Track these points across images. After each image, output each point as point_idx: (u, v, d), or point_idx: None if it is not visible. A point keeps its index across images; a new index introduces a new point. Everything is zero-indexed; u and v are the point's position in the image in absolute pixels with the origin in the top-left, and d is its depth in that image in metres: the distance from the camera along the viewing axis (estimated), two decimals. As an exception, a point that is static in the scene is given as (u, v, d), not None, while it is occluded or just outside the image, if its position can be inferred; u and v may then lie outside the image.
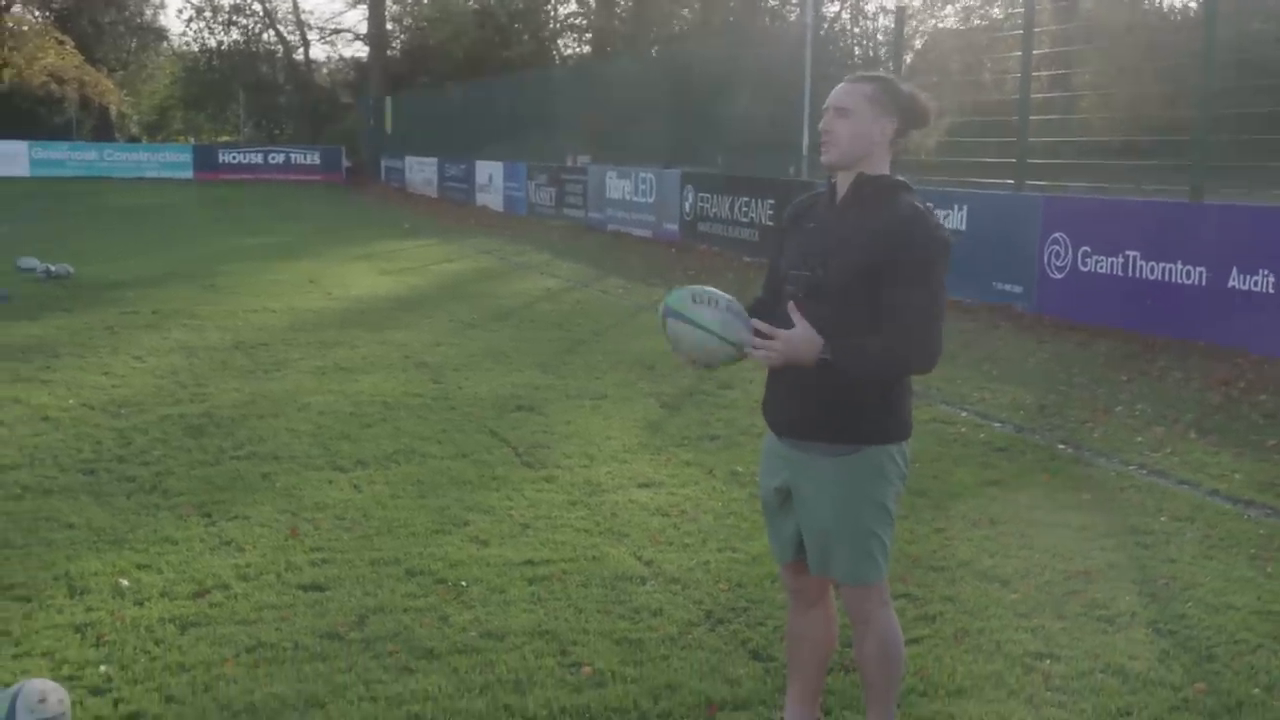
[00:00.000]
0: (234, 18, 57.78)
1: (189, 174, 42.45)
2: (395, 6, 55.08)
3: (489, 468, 6.78)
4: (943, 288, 3.26)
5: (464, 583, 5.03)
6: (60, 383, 8.69)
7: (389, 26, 54.55)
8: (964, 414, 8.39)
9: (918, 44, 31.84)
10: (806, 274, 3.33)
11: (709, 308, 3.28)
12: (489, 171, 30.83)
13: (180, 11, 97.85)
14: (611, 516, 5.97)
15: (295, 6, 64.77)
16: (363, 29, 56.18)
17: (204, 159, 43.46)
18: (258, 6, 58.37)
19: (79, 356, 9.70)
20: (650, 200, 21.73)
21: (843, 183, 3.39)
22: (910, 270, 3.20)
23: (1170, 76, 13.27)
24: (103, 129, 54.92)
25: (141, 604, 4.71)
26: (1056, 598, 5.01)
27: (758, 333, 3.25)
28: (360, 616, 4.66)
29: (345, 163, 44.50)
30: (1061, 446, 7.54)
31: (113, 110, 54.91)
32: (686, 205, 20.32)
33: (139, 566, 5.10)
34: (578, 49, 55.50)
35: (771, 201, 17.59)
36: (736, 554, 5.48)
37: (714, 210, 19.41)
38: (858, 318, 3.24)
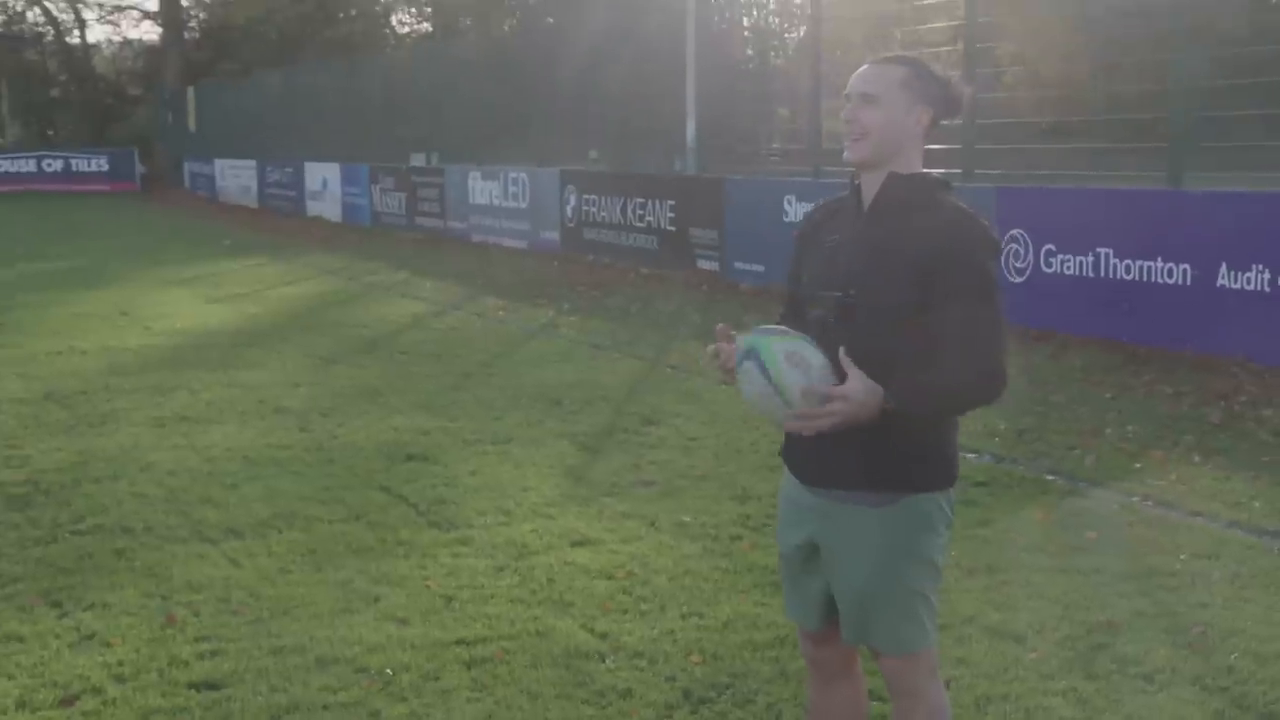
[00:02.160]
0: (-10, -7, 56.37)
1: (-58, 187, 41.31)
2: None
3: (390, 530, 6.73)
4: (1003, 299, 3.32)
5: (389, 670, 4.99)
6: None
7: (184, 2, 53.79)
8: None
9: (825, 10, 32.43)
10: (837, 295, 3.37)
11: (799, 372, 3.25)
12: (322, 175, 30.57)
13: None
14: (548, 583, 5.98)
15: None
16: (151, 6, 55.35)
17: (-41, 168, 42.32)
18: (17, -22, 57.04)
19: None
20: (523, 205, 21.77)
21: (870, 184, 3.42)
22: (968, 285, 3.25)
23: (1141, 45, 13.71)
24: None
25: (-2, 717, 4.60)
26: (1082, 654, 5.15)
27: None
28: (272, 718, 4.60)
29: (140, 168, 43.73)
30: (1051, 477, 7.76)
31: None
32: (568, 209, 20.40)
33: (-16, 671, 4.97)
34: (416, 26, 55.42)
35: (672, 203, 17.77)
36: (704, 620, 5.53)
37: (602, 214, 19.52)
38: (899, 343, 3.28)
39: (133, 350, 12.41)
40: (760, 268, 15.83)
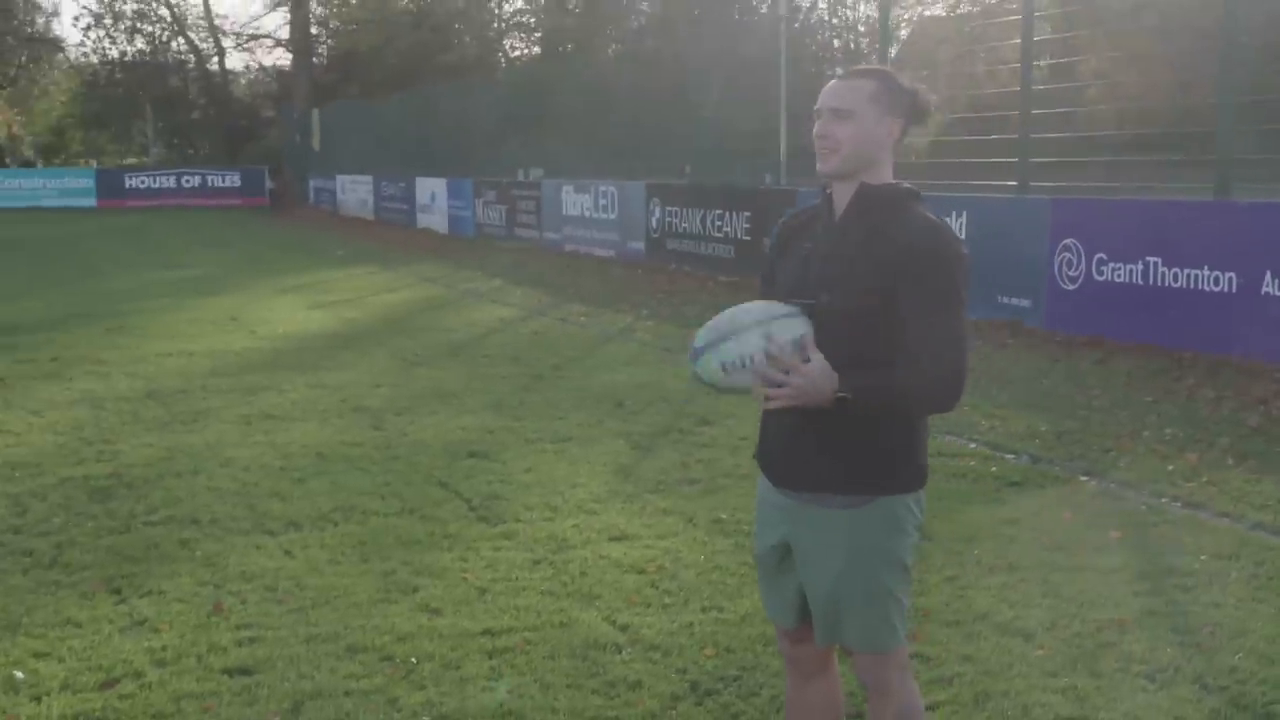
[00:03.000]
0: (138, 24, 57.55)
1: (92, 201, 42.27)
2: (320, 9, 55.10)
3: (440, 524, 6.66)
4: (965, 310, 3.19)
5: (414, 659, 4.91)
6: (-54, 444, 8.53)
7: (314, 31, 54.52)
8: (972, 445, 8.34)
9: (904, 34, 32.01)
10: (808, 302, 3.24)
11: (744, 373, 3.15)
12: (431, 189, 30.77)
13: (76, 19, 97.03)
14: (580, 576, 5.87)
15: (207, 10, 64.11)
16: (284, 34, 56.16)
17: (109, 185, 43.29)
18: (164, 11, 58.22)
19: (-33, 413, 9.54)
20: (612, 217, 21.70)
21: (841, 194, 3.31)
22: (933, 294, 3.13)
23: (1189, 60, 13.32)
24: (-10, 154, 54.66)
25: (39, 699, 4.57)
26: (1088, 652, 4.94)
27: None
28: (295, 703, 4.54)
29: (269, 184, 44.38)
30: (1084, 478, 7.50)
31: (1, 132, 54.61)
32: (653, 221, 20.30)
33: (36, 655, 4.96)
34: (526, 50, 55.63)
35: (748, 214, 17.60)
36: (723, 614, 5.39)
37: (683, 225, 19.40)
38: (869, 350, 3.17)
39: (235, 353, 12.50)
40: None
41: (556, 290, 18.00)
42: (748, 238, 17.58)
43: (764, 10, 37.71)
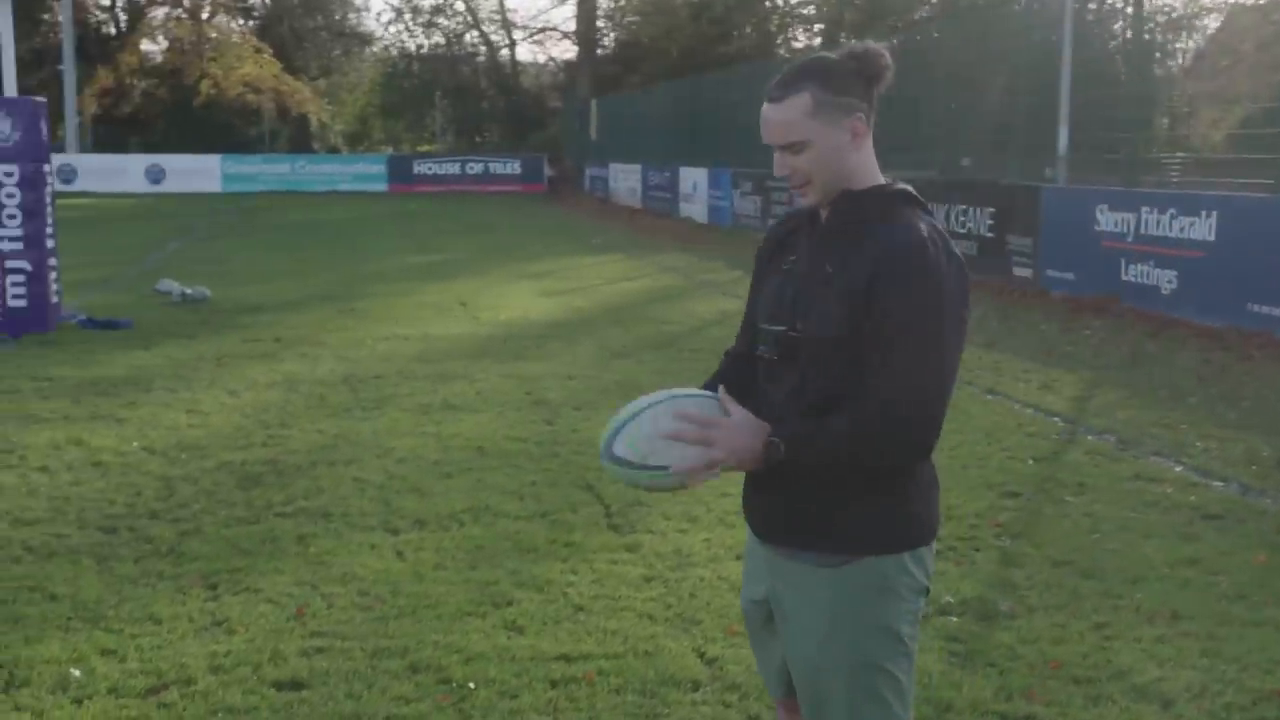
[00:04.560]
0: (434, 19, 59.36)
1: (383, 186, 43.64)
2: (606, 2, 55.63)
3: (565, 531, 6.25)
4: (945, 341, 2.59)
5: (473, 684, 4.50)
6: (134, 421, 8.59)
7: (599, 24, 55.08)
8: (1177, 469, 7.43)
9: (1211, 24, 29.64)
10: (779, 330, 2.71)
11: (661, 448, 2.64)
12: (693, 179, 30.52)
13: (379, 14, 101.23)
14: (689, 598, 5.37)
15: (501, 4, 65.59)
16: (571, 26, 56.94)
17: (399, 170, 44.62)
18: (460, 5, 59.83)
19: (171, 391, 9.64)
20: (860, 208, 20.90)
21: (826, 204, 2.75)
22: (900, 315, 2.56)
23: None
24: (300, 140, 57.23)
25: (80, 702, 4.35)
26: (1234, 730, 4.17)
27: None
28: (329, 726, 4.19)
29: (548, 172, 44.97)
30: (1297, 515, 6.55)
31: (312, 120, 57.10)
32: (899, 214, 19.43)
33: (103, 652, 4.76)
34: (807, 42, 54.82)
35: (991, 210, 16.62)
36: (828, 654, 4.79)
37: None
38: (852, 387, 2.63)
39: (448, 339, 12.40)
40: (1071, 276, 14.58)
41: (791, 283, 17.37)
42: (990, 234, 16.60)
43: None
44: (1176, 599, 5.33)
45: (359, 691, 4.44)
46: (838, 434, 2.57)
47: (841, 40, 46.38)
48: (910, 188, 2.73)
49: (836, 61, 2.68)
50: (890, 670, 2.72)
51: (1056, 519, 6.49)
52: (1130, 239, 13.49)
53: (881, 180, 2.71)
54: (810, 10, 54.15)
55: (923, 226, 2.62)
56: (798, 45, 54.94)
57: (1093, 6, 20.16)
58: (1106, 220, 13.90)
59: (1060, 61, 17.07)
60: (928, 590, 2.79)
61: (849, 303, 2.59)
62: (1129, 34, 21.81)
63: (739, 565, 5.72)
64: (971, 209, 17.13)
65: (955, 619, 5.11)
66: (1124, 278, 13.53)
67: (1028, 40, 18.99)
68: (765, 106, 2.69)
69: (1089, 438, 8.29)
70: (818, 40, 52.52)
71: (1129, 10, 20.60)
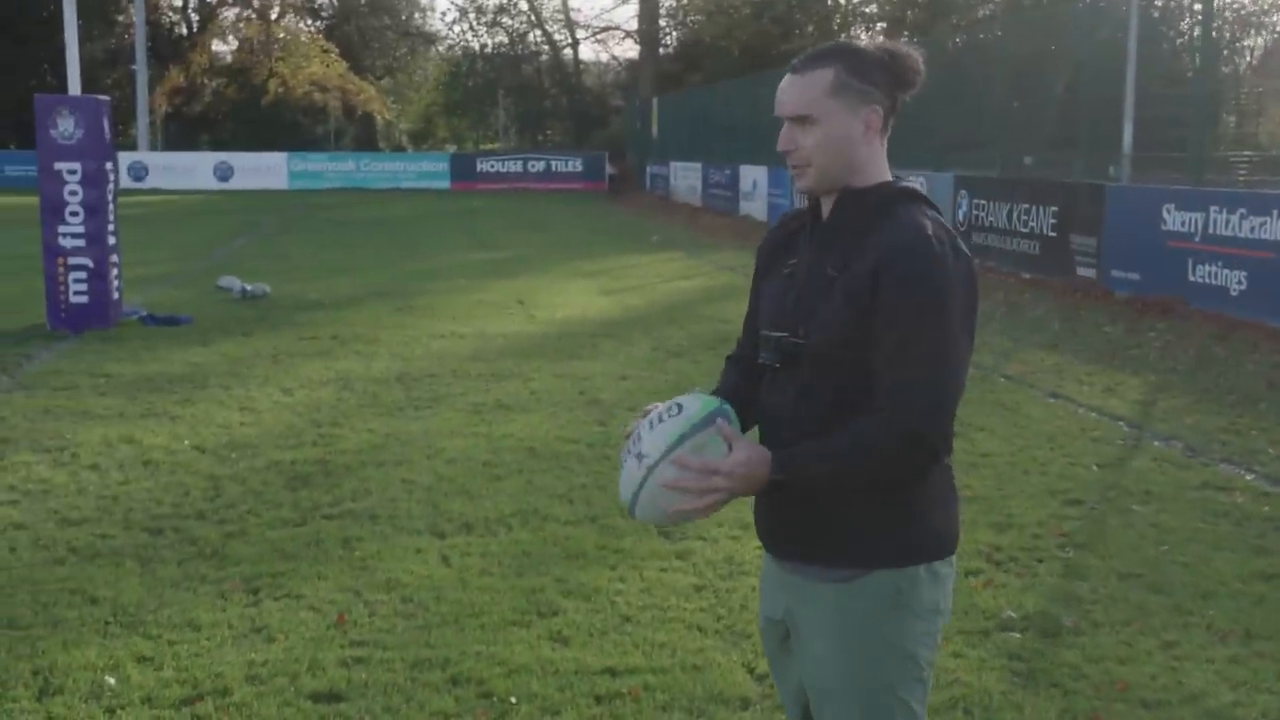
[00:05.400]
0: (498, 18, 59.38)
1: (446, 184, 43.63)
2: (669, 1, 55.39)
3: (615, 537, 6.04)
4: (953, 345, 2.42)
5: (514, 698, 4.31)
6: (188, 419, 8.49)
7: (661, 23, 54.84)
8: (1248, 477, 7.13)
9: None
10: (781, 336, 2.54)
11: (676, 499, 2.50)
12: (753, 177, 30.21)
13: (444, 14, 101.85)
14: (739, 609, 5.15)
15: (564, 4, 65.55)
16: (633, 26, 56.75)
17: (461, 168, 44.59)
18: (524, 5, 59.81)
19: (225, 389, 9.54)
20: (920, 207, 20.57)
21: (827, 202, 2.57)
22: (901, 322, 2.39)
23: None
24: (366, 138, 57.45)
25: (113, 712, 4.20)
26: (1315, 761, 3.90)
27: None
28: (365, 742, 4.02)
29: (609, 170, 44.80)
30: (1383, 526, 6.23)
31: (378, 119, 57.33)
32: (959, 213, 19.09)
33: (140, 659, 4.62)
34: (869, 41, 54.26)
35: (1054, 209, 16.24)
36: (884, 671, 4.56)
37: (990, 219, 18.13)
38: (861, 397, 2.45)
39: (504, 337, 12.25)
40: (1136, 276, 14.18)
41: (850, 282, 17.09)
42: (1053, 234, 16.21)
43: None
44: (1250, 616, 5.05)
45: (397, 705, 4.27)
46: (843, 452, 2.42)
47: (904, 38, 46.05)
48: (916, 186, 2.55)
49: (869, 50, 2.51)
50: (901, 695, 2.54)
51: (1122, 529, 6.22)
52: (1198, 239, 13.09)
53: (888, 178, 2.54)
54: (872, 9, 53.63)
55: (928, 224, 2.45)
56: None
57: (1159, 3, 19.76)
58: (1173, 220, 13.50)
59: (1125, 58, 16.69)
60: (947, 614, 2.59)
61: (852, 305, 2.43)
62: (1196, 31, 21.32)
63: (792, 575, 5.50)
64: (1034, 207, 16.75)
65: (1018, 635, 4.87)
66: (1191, 278, 13.13)
67: (1092, 37, 18.58)
68: (786, 77, 2.53)
69: (1155, 443, 7.98)
70: (879, 40, 52.00)
71: (1196, 6, 20.12)
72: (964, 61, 23.05)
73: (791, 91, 2.52)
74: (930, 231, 2.43)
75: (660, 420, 2.53)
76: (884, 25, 52.50)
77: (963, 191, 19.09)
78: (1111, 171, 17.40)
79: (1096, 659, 4.65)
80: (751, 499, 2.63)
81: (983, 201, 18.45)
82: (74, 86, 13.12)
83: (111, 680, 4.43)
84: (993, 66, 21.35)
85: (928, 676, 2.58)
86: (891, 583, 2.51)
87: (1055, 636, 4.87)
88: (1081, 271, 15.50)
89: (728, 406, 2.57)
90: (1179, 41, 20.02)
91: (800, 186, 2.56)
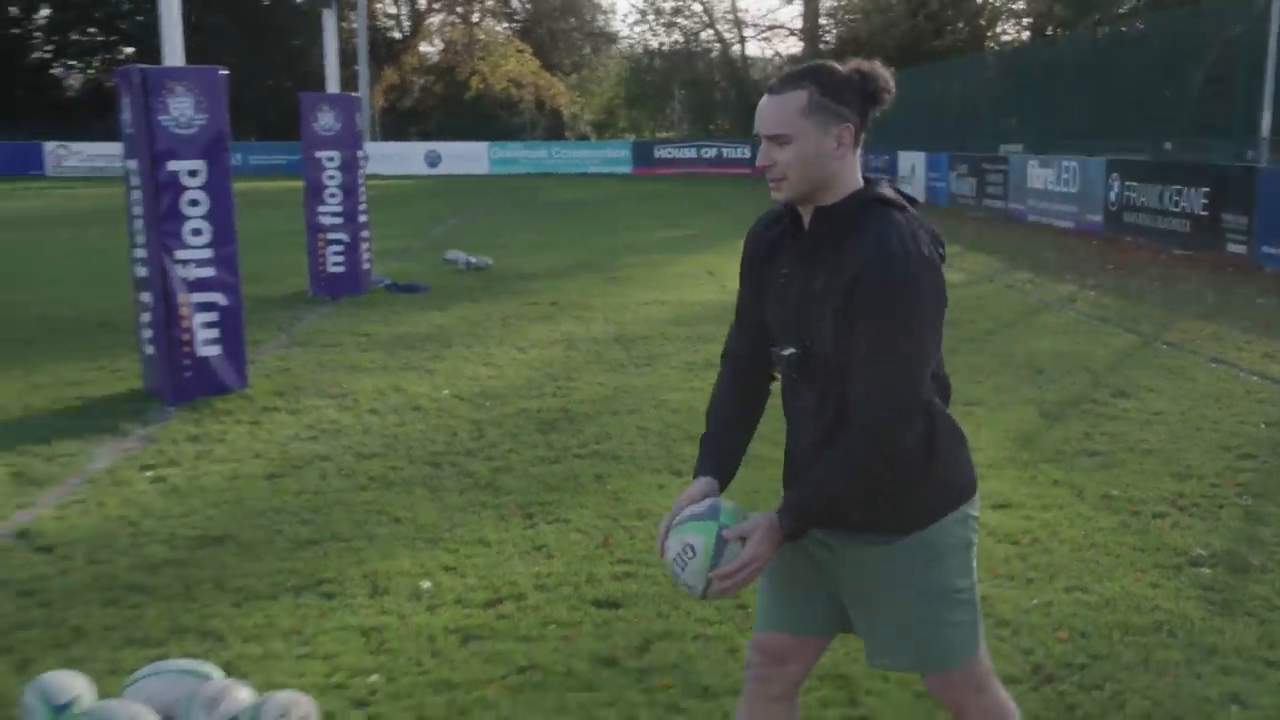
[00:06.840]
0: (674, 19, 59.48)
1: (628, 169, 44.07)
2: (829, 1, 54.85)
3: (830, 478, 6.22)
4: (922, 347, 2.45)
5: (765, 609, 4.53)
6: (442, 372, 8.90)
7: (822, 21, 54.36)
8: None
9: None
10: (791, 353, 2.59)
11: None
12: (911, 162, 29.91)
13: (625, 16, 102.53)
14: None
15: (733, 5, 65.27)
16: (797, 24, 56.37)
17: (641, 154, 44.97)
18: (697, 6, 59.84)
19: (468, 347, 9.95)
20: (1073, 190, 20.22)
21: (806, 214, 2.59)
22: (871, 332, 2.43)
23: None
24: (555, 129, 58.14)
25: (433, 609, 4.55)
26: None
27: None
28: (644, 642, 4.28)
29: (775, 156, 44.60)
30: None
31: (565, 111, 57.98)
32: (1111, 195, 18.71)
33: (445, 568, 4.97)
34: (1016, 35, 53.01)
35: (1206, 190, 15.83)
36: (1087, 595, 4.68)
37: (1141, 200, 17.75)
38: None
39: (701, 304, 12.48)
40: (1286, 252, 13.81)
41: (1009, 258, 16.92)
42: (1204, 213, 15.82)
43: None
44: None
45: (667, 612, 4.53)
46: (835, 475, 2.48)
47: (1049, 33, 44.78)
48: (888, 190, 2.55)
49: (840, 71, 2.51)
50: (951, 620, 2.65)
51: (1295, 481, 6.18)
52: (1347, 218, 12.69)
53: (860, 185, 2.53)
54: (1019, 5, 52.28)
55: (893, 234, 2.43)
56: (1007, 39, 53.31)
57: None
58: (1322, 200, 13.10)
59: (1268, 44, 16.16)
60: (973, 541, 2.68)
61: (838, 318, 2.46)
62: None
63: (995, 515, 5.63)
64: (1185, 189, 16.36)
65: (1208, 570, 4.92)
66: (1340, 255, 12.75)
67: (1232, 29, 17.99)
68: (764, 98, 2.54)
69: (1317, 405, 7.86)
70: (1025, 35, 50.76)
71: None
72: (1109, 56, 22.48)
73: (769, 112, 2.51)
74: (895, 243, 2.42)
75: (684, 568, 2.58)
76: (1029, 21, 51.21)
77: (1114, 174, 18.70)
78: (1250, 156, 16.89)
79: (1285, 593, 4.68)
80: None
81: (1134, 183, 18.05)
82: (333, 85, 13.71)
83: (427, 584, 4.79)
84: (1136, 59, 20.81)
85: (970, 596, 2.66)
86: (928, 539, 2.60)
87: (1244, 573, 4.91)
88: (1232, 248, 15.11)
89: (723, 509, 2.63)
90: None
91: (778, 198, 2.58)
